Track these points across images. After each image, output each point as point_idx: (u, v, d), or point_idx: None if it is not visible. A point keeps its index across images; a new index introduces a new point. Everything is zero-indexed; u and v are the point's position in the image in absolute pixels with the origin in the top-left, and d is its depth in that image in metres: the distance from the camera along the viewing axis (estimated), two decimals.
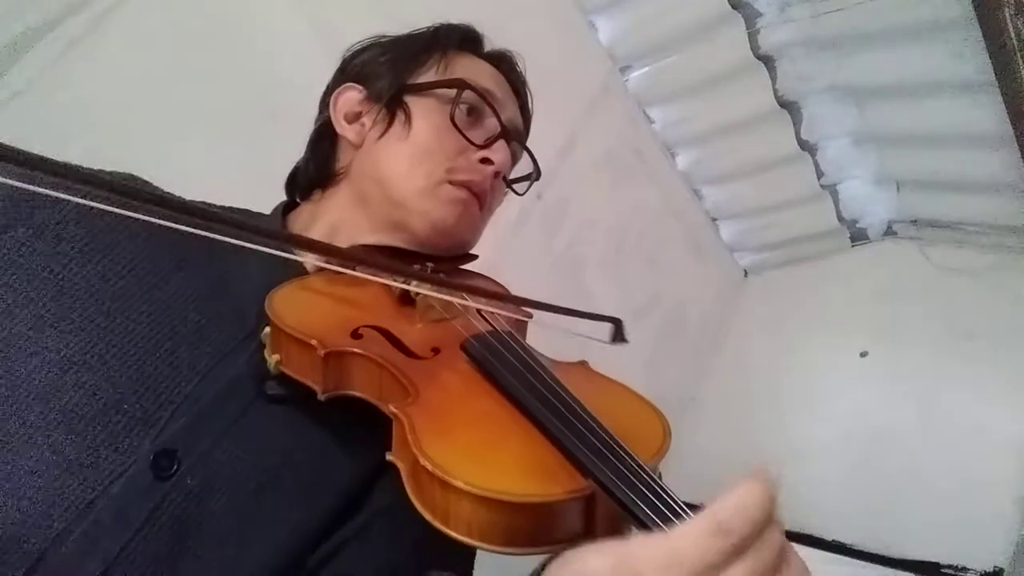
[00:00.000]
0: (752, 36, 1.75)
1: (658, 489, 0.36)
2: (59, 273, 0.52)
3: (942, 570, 1.61)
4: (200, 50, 1.12)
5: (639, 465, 0.38)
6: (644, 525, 0.35)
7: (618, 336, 0.57)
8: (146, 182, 0.62)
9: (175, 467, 0.48)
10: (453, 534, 0.38)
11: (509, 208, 1.66)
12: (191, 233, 0.60)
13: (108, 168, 0.63)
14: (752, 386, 2.16)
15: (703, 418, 2.17)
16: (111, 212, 0.54)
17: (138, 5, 1.08)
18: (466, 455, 0.40)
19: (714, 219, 2.28)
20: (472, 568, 0.59)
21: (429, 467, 0.38)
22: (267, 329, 0.54)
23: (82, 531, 0.44)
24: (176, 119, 1.09)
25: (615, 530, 0.39)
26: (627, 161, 1.96)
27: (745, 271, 2.43)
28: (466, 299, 0.59)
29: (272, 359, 0.52)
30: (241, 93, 1.12)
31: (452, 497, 0.37)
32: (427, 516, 0.39)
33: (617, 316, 0.57)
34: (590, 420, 0.42)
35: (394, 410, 0.43)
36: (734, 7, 1.71)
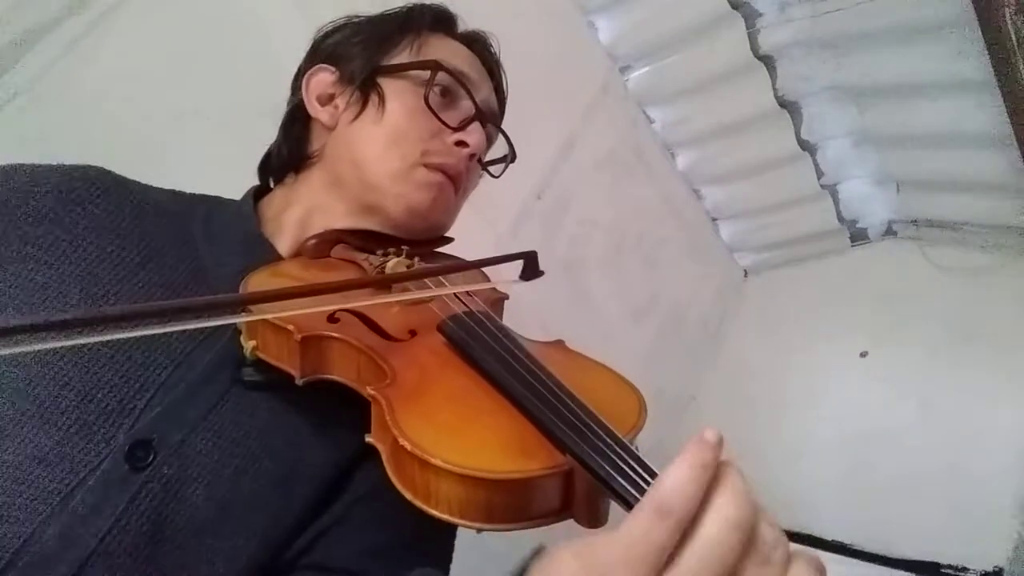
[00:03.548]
0: (752, 36, 1.75)
1: (635, 463, 0.36)
2: (26, 268, 0.51)
3: (942, 570, 1.61)
4: (199, 49, 1.12)
5: (616, 439, 0.38)
6: (623, 500, 0.35)
7: (529, 272, 0.51)
8: (108, 172, 0.61)
9: (151, 457, 0.48)
10: (434, 512, 0.38)
11: (509, 208, 1.67)
12: (163, 226, 0.59)
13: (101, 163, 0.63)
14: (752, 386, 2.16)
15: (703, 418, 2.17)
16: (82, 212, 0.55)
17: (138, 5, 1.08)
18: (444, 434, 0.40)
19: (714, 219, 2.28)
20: (452, 548, 0.59)
21: (408, 447, 0.38)
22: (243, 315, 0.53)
23: (59, 525, 0.44)
24: (175, 118, 1.09)
25: (593, 505, 0.39)
26: (627, 161, 1.96)
27: (745, 271, 2.43)
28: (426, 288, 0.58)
29: (248, 345, 0.51)
30: (240, 92, 1.11)
31: (432, 476, 0.38)
32: (408, 496, 0.39)
33: (532, 250, 0.51)
34: (567, 397, 0.42)
35: (372, 392, 0.43)
36: (734, 7, 1.71)
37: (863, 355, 2.03)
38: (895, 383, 1.92)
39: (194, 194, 0.67)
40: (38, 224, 0.54)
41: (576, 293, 1.84)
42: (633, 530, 0.30)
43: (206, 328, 0.54)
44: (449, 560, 0.59)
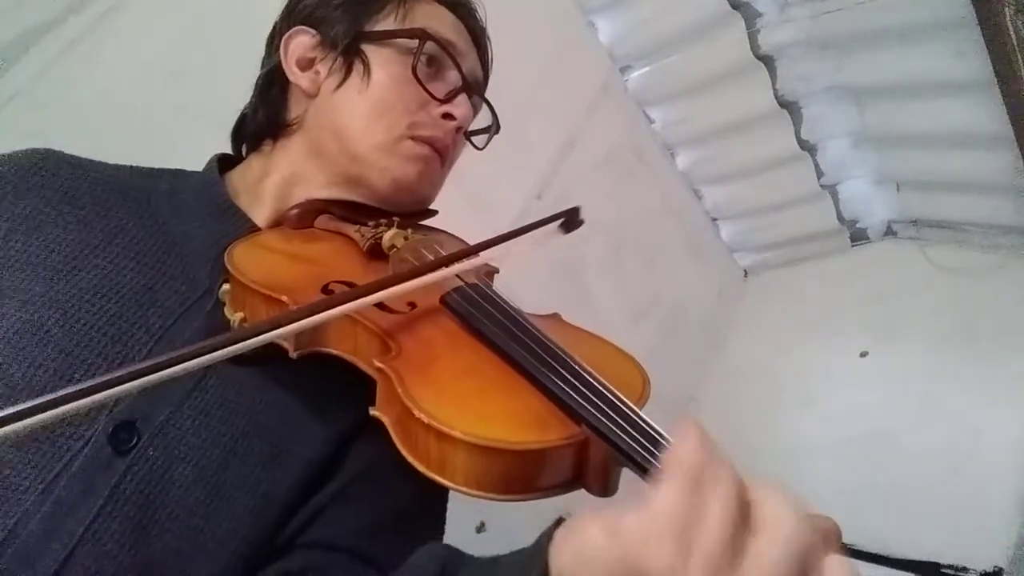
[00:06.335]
0: (752, 36, 1.75)
1: (649, 430, 0.36)
2: None
3: (942, 570, 1.61)
4: (200, 50, 1.12)
5: (630, 408, 0.38)
6: (640, 467, 0.35)
7: (571, 224, 0.54)
8: (57, 153, 0.60)
9: (135, 439, 0.46)
10: (449, 483, 0.38)
11: (509, 208, 1.66)
12: (124, 201, 0.58)
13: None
14: (752, 386, 2.16)
15: (703, 418, 2.14)
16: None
17: (138, 5, 1.08)
18: (459, 405, 0.40)
19: (714, 219, 2.28)
20: (444, 520, 0.59)
21: (424, 419, 0.37)
22: (226, 286, 0.52)
23: (43, 515, 0.43)
24: (176, 117, 1.09)
25: (606, 474, 0.39)
26: (627, 161, 1.96)
27: (745, 271, 2.43)
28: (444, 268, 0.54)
29: (235, 317, 0.50)
30: (241, 92, 1.11)
31: (448, 447, 0.37)
32: (420, 467, 0.39)
33: (574, 208, 0.54)
34: (577, 367, 0.42)
35: (379, 365, 0.42)
36: (734, 7, 1.71)
37: (863, 355, 2.03)
38: (895, 383, 1.92)
39: (151, 168, 0.65)
40: None
41: (576, 293, 1.84)
42: (660, 501, 0.30)
43: (186, 299, 0.53)
44: (443, 532, 0.59)
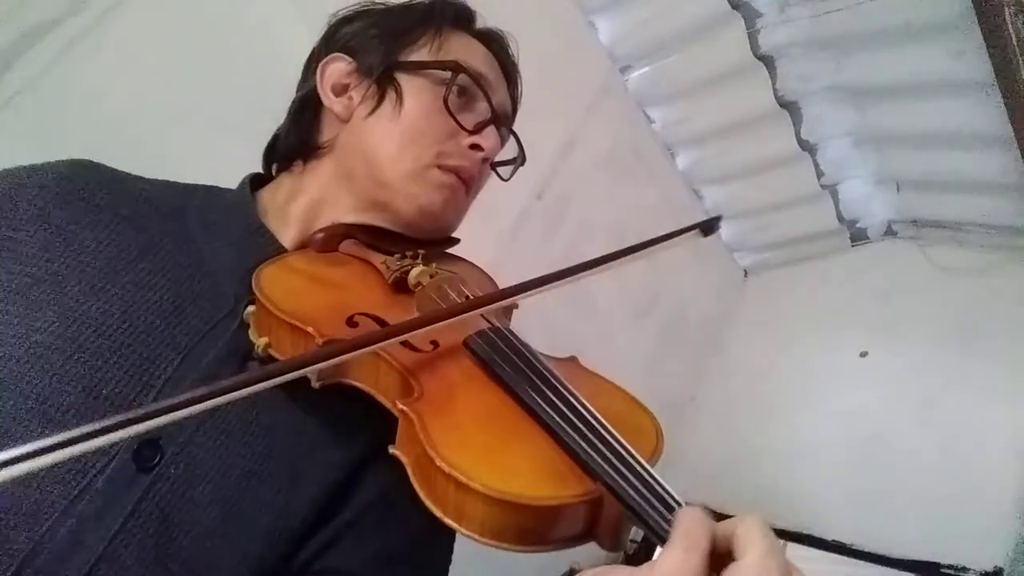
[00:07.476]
0: (752, 36, 1.75)
1: (662, 493, 0.37)
2: (23, 266, 0.51)
3: (942, 570, 1.61)
4: (200, 49, 1.12)
5: (644, 468, 0.39)
6: (651, 529, 0.36)
7: (710, 229, 0.59)
8: (97, 165, 0.61)
9: (158, 457, 0.47)
10: (465, 531, 0.38)
11: (509, 208, 1.67)
12: (157, 217, 0.59)
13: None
14: (752, 386, 2.16)
15: (703, 418, 2.17)
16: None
17: (138, 5, 1.08)
18: (480, 456, 0.40)
19: None
20: (453, 546, 0.59)
21: (446, 469, 0.38)
22: (251, 308, 0.52)
23: (67, 528, 0.43)
24: (176, 118, 1.09)
25: (618, 530, 0.40)
26: (627, 161, 1.96)
27: (745, 271, 2.43)
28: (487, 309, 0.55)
29: (260, 342, 0.51)
30: (241, 92, 1.12)
31: (467, 498, 0.38)
32: (438, 513, 0.39)
33: (714, 217, 0.58)
34: (595, 422, 0.42)
35: (402, 407, 0.43)
36: (734, 7, 1.71)
37: (863, 355, 2.03)
38: (895, 383, 1.92)
39: (186, 184, 0.66)
40: (31, 224, 0.53)
41: (576, 294, 1.84)
42: (667, 563, 0.32)
43: (211, 318, 0.54)
44: (450, 558, 0.60)
